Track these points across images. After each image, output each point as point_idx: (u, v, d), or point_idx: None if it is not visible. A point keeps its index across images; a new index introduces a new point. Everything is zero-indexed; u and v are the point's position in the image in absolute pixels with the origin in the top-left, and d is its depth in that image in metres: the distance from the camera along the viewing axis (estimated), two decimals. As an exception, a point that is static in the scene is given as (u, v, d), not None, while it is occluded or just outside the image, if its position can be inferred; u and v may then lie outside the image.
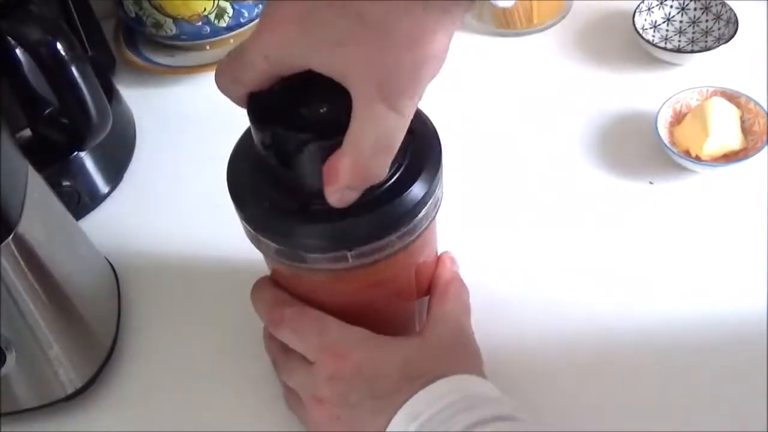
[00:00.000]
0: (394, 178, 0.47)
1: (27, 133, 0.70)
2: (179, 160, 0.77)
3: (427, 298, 0.59)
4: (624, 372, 0.59)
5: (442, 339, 0.53)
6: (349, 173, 0.43)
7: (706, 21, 0.79)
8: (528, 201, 0.69)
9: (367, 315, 0.56)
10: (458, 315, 0.55)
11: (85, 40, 0.77)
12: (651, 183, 0.69)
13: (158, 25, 0.82)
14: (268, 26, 0.44)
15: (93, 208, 0.73)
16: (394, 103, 0.42)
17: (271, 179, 0.47)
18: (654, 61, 0.77)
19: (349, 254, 0.47)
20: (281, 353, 0.54)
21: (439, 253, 0.58)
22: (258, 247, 0.51)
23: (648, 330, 0.60)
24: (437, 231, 0.56)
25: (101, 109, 0.66)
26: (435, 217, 0.51)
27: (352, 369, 0.49)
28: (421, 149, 0.49)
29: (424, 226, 0.50)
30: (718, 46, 0.75)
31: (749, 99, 0.69)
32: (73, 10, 0.75)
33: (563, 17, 0.84)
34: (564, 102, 0.77)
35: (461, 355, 0.53)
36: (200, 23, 0.81)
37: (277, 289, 0.54)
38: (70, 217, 0.63)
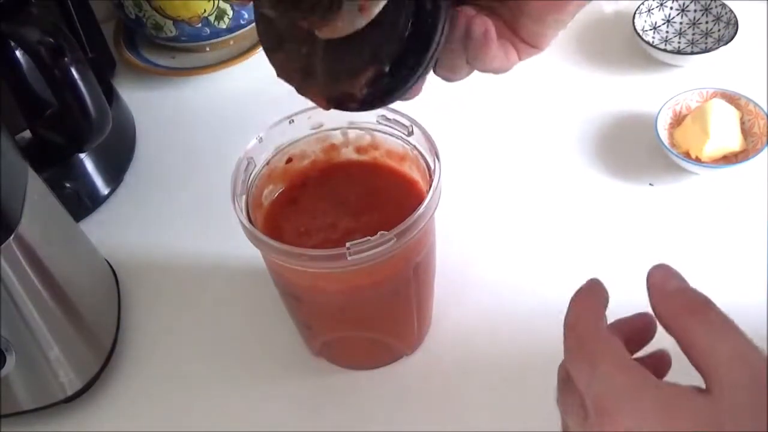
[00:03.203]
0: None
1: (27, 134, 0.70)
2: (179, 162, 0.77)
3: (426, 298, 0.59)
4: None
5: (746, 398, 0.36)
6: None
7: (706, 22, 0.79)
8: (528, 202, 0.69)
9: (365, 315, 0.56)
10: (745, 350, 0.39)
11: (85, 41, 0.77)
12: (651, 184, 0.69)
13: (158, 27, 0.82)
14: None
15: (93, 210, 0.74)
16: None
17: None
18: (654, 63, 0.77)
19: (347, 253, 0.47)
20: (562, 382, 0.44)
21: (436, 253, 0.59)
22: (257, 246, 0.51)
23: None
24: (435, 231, 0.56)
25: (101, 111, 0.66)
26: (433, 215, 0.51)
27: None
28: None
29: (421, 225, 0.50)
30: (718, 47, 0.75)
31: (749, 100, 0.69)
32: (73, 12, 0.76)
33: (563, 19, 0.84)
34: (563, 103, 0.77)
35: None
36: (200, 25, 0.81)
37: (594, 315, 0.43)
38: (70, 218, 0.63)
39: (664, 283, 0.42)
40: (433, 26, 0.38)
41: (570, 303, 0.43)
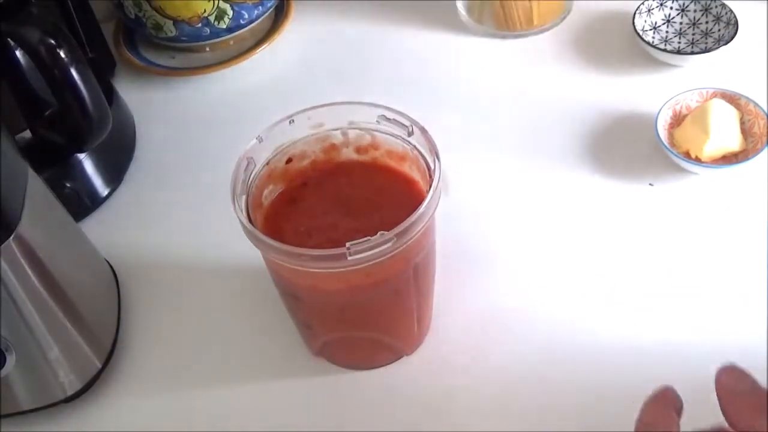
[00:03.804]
0: None
1: (27, 134, 0.70)
2: (179, 162, 0.77)
3: (426, 298, 0.59)
4: (624, 373, 0.58)
5: None
6: None
7: (706, 22, 0.79)
8: (527, 202, 0.69)
9: (365, 315, 0.56)
10: None
11: (85, 41, 0.77)
12: (651, 184, 0.69)
13: (158, 27, 0.82)
14: None
15: (93, 210, 0.74)
16: None
17: None
18: (654, 63, 0.77)
19: (347, 252, 0.47)
20: None
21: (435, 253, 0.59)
22: (257, 246, 0.51)
23: (647, 330, 0.60)
24: (435, 231, 0.56)
25: (101, 111, 0.66)
26: (433, 215, 0.52)
27: None
28: None
29: (421, 225, 0.50)
30: (718, 47, 0.75)
31: (749, 100, 0.69)
32: (73, 12, 0.76)
33: (563, 18, 0.84)
34: (563, 103, 0.77)
35: None
36: (200, 25, 0.81)
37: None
38: (70, 218, 0.63)
39: (733, 385, 0.41)
40: None
41: (643, 406, 0.43)
